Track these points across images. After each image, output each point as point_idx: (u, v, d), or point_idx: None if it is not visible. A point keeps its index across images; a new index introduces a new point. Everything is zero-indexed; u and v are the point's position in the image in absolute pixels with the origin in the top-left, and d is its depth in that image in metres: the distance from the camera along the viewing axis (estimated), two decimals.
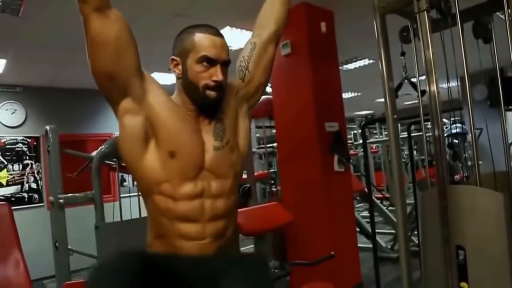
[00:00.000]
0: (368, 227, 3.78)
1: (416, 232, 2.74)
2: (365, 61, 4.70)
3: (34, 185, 4.38)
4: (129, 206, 3.32)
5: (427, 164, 3.80)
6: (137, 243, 2.96)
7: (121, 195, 3.38)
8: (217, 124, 1.05)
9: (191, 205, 0.98)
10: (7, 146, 4.26)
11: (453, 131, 2.84)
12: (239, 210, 1.18)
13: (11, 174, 4.25)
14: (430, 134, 1.45)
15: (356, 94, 6.86)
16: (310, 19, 2.86)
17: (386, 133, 7.37)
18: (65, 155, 3.06)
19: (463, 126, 2.90)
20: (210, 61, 0.99)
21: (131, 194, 3.73)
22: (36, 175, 4.41)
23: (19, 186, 4.29)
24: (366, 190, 3.99)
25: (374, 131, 8.46)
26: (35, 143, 4.43)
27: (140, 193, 1.08)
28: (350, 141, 7.75)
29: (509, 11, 1.34)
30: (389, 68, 1.51)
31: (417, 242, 2.47)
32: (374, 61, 4.59)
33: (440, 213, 1.29)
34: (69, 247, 2.89)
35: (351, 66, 4.83)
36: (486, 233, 1.26)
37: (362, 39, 3.58)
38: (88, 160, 3.19)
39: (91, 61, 0.94)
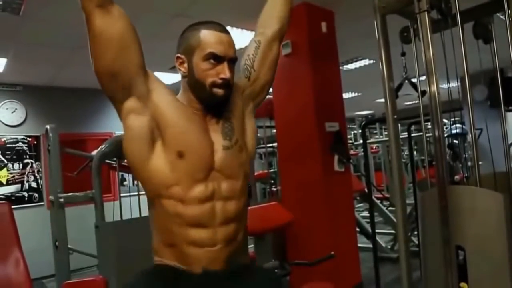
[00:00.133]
0: (368, 227, 3.78)
1: (416, 232, 2.75)
2: (366, 61, 4.70)
3: (34, 184, 4.38)
4: (129, 206, 3.32)
5: (427, 164, 3.80)
6: (137, 242, 2.94)
7: (121, 195, 3.39)
8: (225, 124, 1.01)
9: (201, 208, 0.95)
10: (7, 145, 4.27)
11: (453, 131, 2.84)
12: None
13: (11, 173, 4.25)
14: (430, 134, 1.45)
15: (356, 94, 6.86)
16: (311, 19, 2.86)
17: (386, 133, 7.37)
18: (65, 154, 3.06)
19: (463, 127, 2.90)
20: (217, 58, 0.96)
21: (131, 194, 3.73)
22: (36, 174, 4.41)
23: (19, 185, 4.29)
24: (366, 190, 3.99)
25: (374, 131, 8.47)
26: (35, 142, 4.43)
27: (148, 200, 1.03)
28: (350, 141, 7.75)
29: (509, 11, 1.34)
30: (389, 68, 1.51)
31: (417, 242, 2.47)
32: (374, 61, 4.59)
33: (440, 213, 1.29)
34: (69, 246, 2.90)
35: (351, 66, 4.83)
36: (486, 233, 1.26)
37: (362, 39, 3.58)
38: (88, 160, 3.20)
39: (94, 59, 0.92)
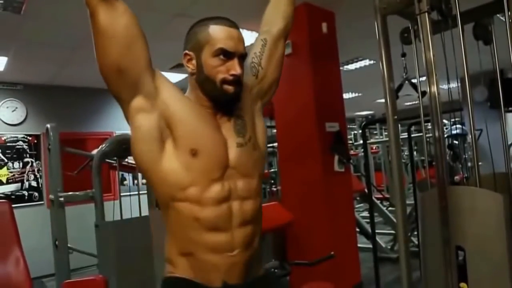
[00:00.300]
0: (368, 227, 3.78)
1: (416, 233, 2.75)
2: (366, 62, 4.70)
3: (34, 183, 4.39)
4: (129, 205, 3.33)
5: (427, 165, 3.81)
6: (137, 242, 2.95)
7: (122, 194, 3.39)
8: (237, 121, 0.98)
9: (219, 210, 0.91)
10: (8, 144, 4.27)
11: (453, 132, 2.84)
12: None
13: (11, 172, 4.26)
14: (430, 134, 1.45)
15: (356, 94, 6.86)
16: (311, 20, 2.86)
17: (386, 133, 7.37)
18: (65, 153, 3.07)
19: (463, 127, 2.90)
20: (227, 54, 0.92)
21: (132, 193, 3.74)
22: (36, 173, 4.41)
23: (19, 184, 4.30)
24: (366, 190, 4.00)
25: (375, 132, 8.47)
26: (35, 141, 4.44)
27: (161, 206, 0.98)
28: (351, 142, 7.75)
29: (509, 13, 1.34)
30: (389, 68, 1.52)
31: (417, 242, 2.48)
32: (374, 61, 4.60)
33: (440, 214, 1.29)
34: (69, 245, 2.90)
35: (351, 66, 4.83)
36: (485, 234, 1.26)
37: (363, 40, 3.58)
38: (89, 159, 3.20)
39: (99, 56, 0.88)
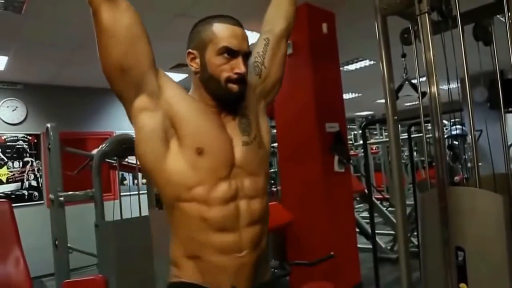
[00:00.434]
0: (367, 227, 3.78)
1: (415, 233, 2.75)
2: (366, 62, 4.71)
3: (34, 183, 4.39)
4: (129, 205, 3.33)
5: (427, 165, 3.81)
6: (136, 242, 2.95)
7: (121, 194, 3.39)
8: (241, 120, 0.97)
9: (226, 209, 0.89)
10: (8, 143, 4.27)
11: (453, 132, 2.85)
12: None
13: (11, 171, 4.26)
14: (430, 135, 1.46)
15: (356, 95, 6.87)
16: (312, 20, 2.87)
17: (386, 134, 7.38)
18: (65, 153, 3.07)
19: (463, 128, 2.90)
20: (231, 53, 0.91)
21: (132, 193, 3.74)
22: (36, 173, 4.42)
23: (19, 184, 4.30)
24: (366, 190, 4.00)
25: (375, 132, 8.48)
26: (35, 141, 4.44)
27: (166, 207, 0.96)
28: (350, 142, 7.76)
29: (509, 14, 1.35)
30: (389, 69, 1.52)
31: (416, 243, 2.48)
32: (374, 62, 4.60)
33: (439, 214, 1.29)
34: (68, 245, 2.90)
35: (352, 67, 4.84)
36: (485, 234, 1.26)
37: (363, 40, 3.58)
38: (89, 158, 3.20)
39: (102, 54, 0.87)
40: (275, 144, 3.43)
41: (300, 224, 2.81)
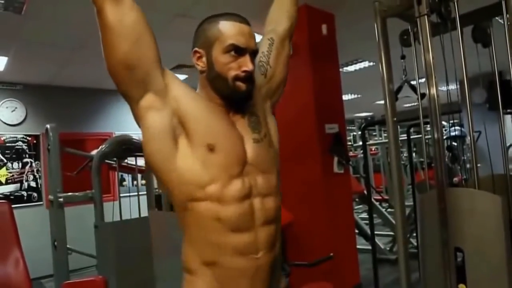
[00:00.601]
0: (367, 228, 3.79)
1: (415, 234, 2.76)
2: (365, 64, 4.72)
3: (33, 184, 4.38)
4: (129, 206, 3.32)
5: (426, 166, 3.81)
6: (136, 243, 2.94)
7: (121, 195, 3.39)
8: (251, 118, 0.95)
9: (241, 207, 0.87)
10: (7, 144, 4.27)
11: (452, 133, 2.86)
12: None
13: (10, 172, 4.25)
14: (429, 136, 1.46)
15: (356, 96, 6.88)
16: (311, 22, 2.87)
17: (385, 135, 7.39)
18: (65, 153, 3.06)
19: (462, 129, 2.91)
20: (238, 51, 0.89)
21: (131, 194, 3.74)
22: (35, 174, 4.41)
23: (18, 185, 4.29)
24: (365, 191, 4.00)
25: (374, 133, 8.49)
26: (35, 142, 4.43)
27: (177, 210, 0.92)
28: (350, 143, 7.77)
29: (507, 16, 1.35)
30: (389, 70, 1.53)
31: (415, 244, 2.48)
32: (374, 63, 4.61)
33: (439, 215, 1.30)
34: (68, 246, 2.90)
35: (351, 68, 4.84)
36: (484, 235, 1.27)
37: (362, 42, 3.59)
38: (88, 159, 3.20)
39: (108, 53, 0.85)
40: None
41: (300, 225, 2.81)
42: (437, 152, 1.31)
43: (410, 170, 3.37)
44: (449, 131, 3.06)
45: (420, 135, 1.84)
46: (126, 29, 0.84)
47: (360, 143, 6.02)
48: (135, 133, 4.11)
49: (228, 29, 0.91)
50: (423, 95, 1.48)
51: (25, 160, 4.36)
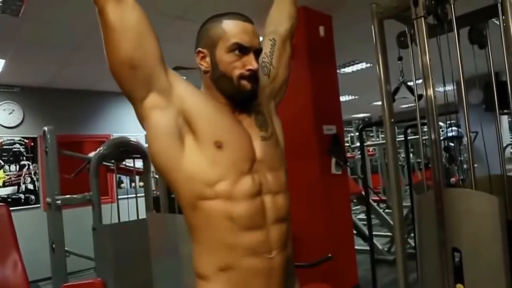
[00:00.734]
0: (365, 229, 3.80)
1: (412, 235, 2.77)
2: (363, 65, 4.73)
3: (31, 186, 4.36)
4: (127, 208, 3.32)
5: (423, 167, 3.82)
6: (134, 245, 2.93)
7: (119, 197, 3.38)
8: (257, 116, 0.95)
9: (253, 205, 0.86)
10: (4, 147, 4.25)
11: (449, 134, 2.87)
12: None
13: (7, 175, 4.24)
14: (427, 137, 1.47)
15: (353, 97, 6.89)
16: (309, 23, 2.88)
17: (383, 136, 7.41)
18: (62, 156, 3.06)
19: (459, 130, 2.93)
20: (242, 49, 0.89)
21: (129, 196, 3.72)
22: (33, 176, 4.39)
23: (16, 187, 4.27)
24: (363, 192, 4.01)
25: (371, 134, 8.51)
26: (32, 144, 4.42)
27: (186, 211, 0.90)
28: (347, 144, 7.78)
29: (503, 17, 1.37)
30: (386, 72, 1.54)
31: (413, 244, 2.49)
32: (371, 65, 4.63)
33: (436, 216, 1.31)
34: (66, 248, 2.89)
35: (348, 69, 4.86)
36: (481, 235, 1.27)
37: (360, 43, 3.60)
38: (86, 161, 3.19)
39: (110, 53, 0.84)
40: None
41: (298, 225, 2.80)
42: (434, 152, 1.32)
43: (408, 170, 3.39)
44: (446, 131, 3.08)
45: (418, 136, 1.85)
46: (128, 28, 0.84)
47: (358, 144, 6.04)
48: (133, 135, 4.12)
49: (231, 28, 0.90)
50: (420, 96, 1.49)
51: (22, 162, 4.34)
